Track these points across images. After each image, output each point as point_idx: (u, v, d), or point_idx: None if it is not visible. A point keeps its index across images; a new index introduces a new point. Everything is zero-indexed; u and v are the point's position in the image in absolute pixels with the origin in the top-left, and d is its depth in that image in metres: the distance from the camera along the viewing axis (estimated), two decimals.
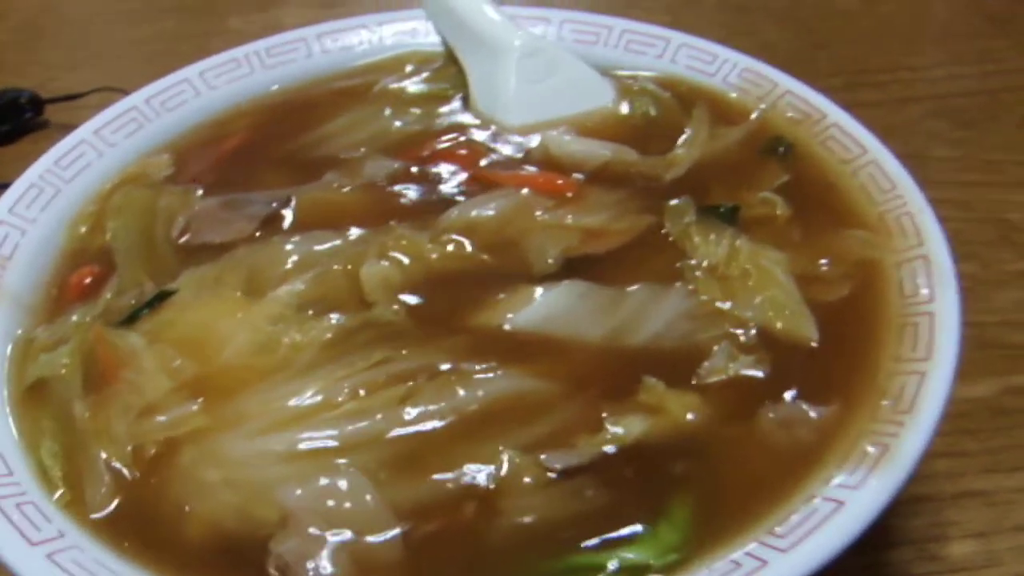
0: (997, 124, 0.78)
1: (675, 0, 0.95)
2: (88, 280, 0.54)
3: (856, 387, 0.45)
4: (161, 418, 0.46)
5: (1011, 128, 0.79)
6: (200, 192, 0.57)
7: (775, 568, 0.38)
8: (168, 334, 0.49)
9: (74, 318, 0.51)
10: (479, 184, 0.55)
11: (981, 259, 0.63)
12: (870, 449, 0.42)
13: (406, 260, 0.50)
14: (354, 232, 0.53)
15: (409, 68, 0.66)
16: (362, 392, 0.45)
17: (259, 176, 0.58)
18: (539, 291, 0.49)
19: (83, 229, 0.56)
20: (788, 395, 0.45)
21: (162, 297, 0.51)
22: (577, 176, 0.55)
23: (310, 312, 0.49)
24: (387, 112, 0.62)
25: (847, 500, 0.40)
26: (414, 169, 0.57)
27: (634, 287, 0.49)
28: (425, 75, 0.65)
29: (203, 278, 0.51)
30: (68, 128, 0.59)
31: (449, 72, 0.65)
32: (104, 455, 0.45)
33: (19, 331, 0.51)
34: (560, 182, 0.54)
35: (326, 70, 0.65)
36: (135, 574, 0.40)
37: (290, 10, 0.98)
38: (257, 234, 0.54)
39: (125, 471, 0.45)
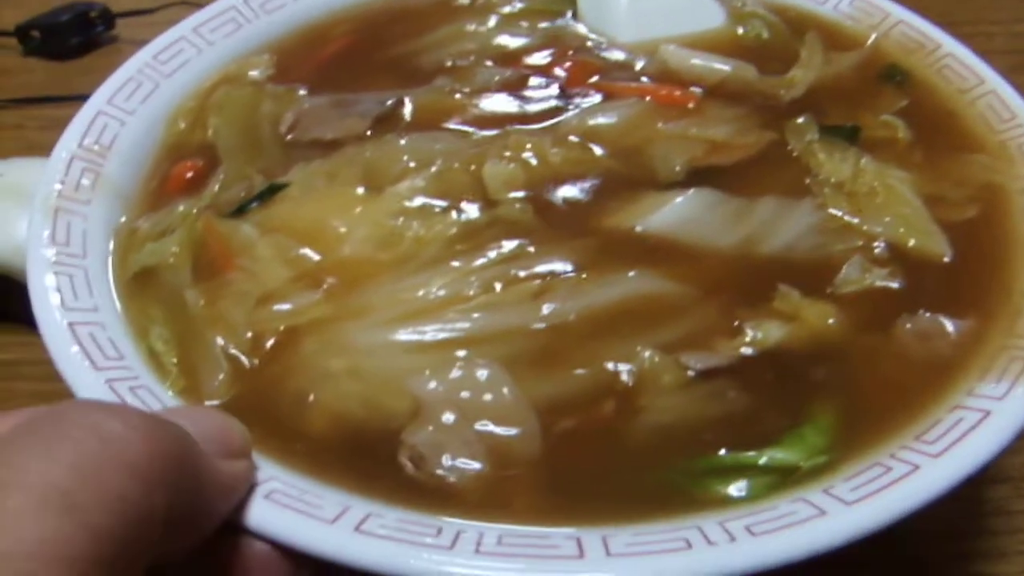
0: None
1: None
2: (190, 174, 0.52)
3: (991, 304, 0.44)
4: (281, 306, 0.44)
5: None
6: (303, 92, 0.55)
7: (927, 473, 0.37)
8: (283, 226, 0.47)
9: (180, 208, 0.49)
10: (597, 93, 0.53)
11: None
12: (1012, 363, 0.40)
13: (530, 161, 0.49)
14: (472, 133, 0.51)
15: None
16: (497, 286, 0.43)
17: (364, 80, 0.56)
18: (669, 197, 0.47)
19: (182, 125, 0.54)
20: (923, 308, 0.44)
21: (273, 190, 0.49)
22: (695, 90, 0.54)
23: (433, 208, 0.47)
24: (493, 23, 0.60)
25: (993, 410, 0.39)
26: (528, 78, 0.55)
27: (763, 199, 0.48)
28: None
29: (316, 172, 0.50)
30: (139, 43, 0.57)
31: None
32: (221, 342, 0.43)
33: (122, 220, 0.49)
34: (680, 94, 0.52)
35: None
36: (261, 461, 0.38)
37: None
38: (369, 132, 0.52)
39: (244, 359, 0.43)
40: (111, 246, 0.48)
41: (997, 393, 0.39)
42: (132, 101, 0.54)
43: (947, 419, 0.39)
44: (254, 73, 0.57)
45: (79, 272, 0.45)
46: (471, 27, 0.60)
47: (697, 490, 0.38)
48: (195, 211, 0.49)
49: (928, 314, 0.43)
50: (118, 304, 0.45)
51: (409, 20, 0.60)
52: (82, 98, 0.53)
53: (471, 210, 0.47)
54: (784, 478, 0.38)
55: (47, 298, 0.42)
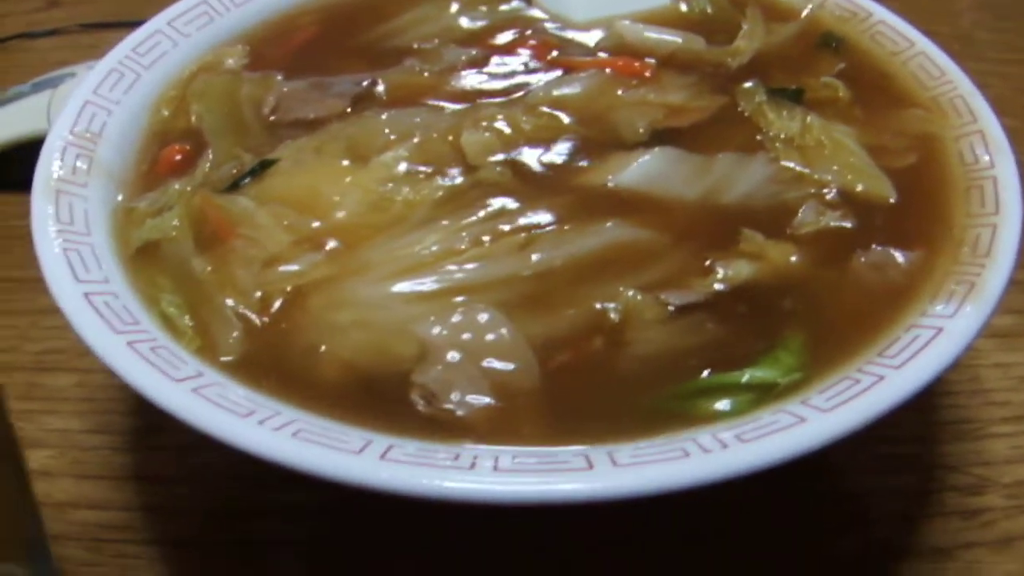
0: None
1: None
2: (178, 157, 0.54)
3: (935, 237, 0.48)
4: (286, 268, 0.47)
5: None
6: (280, 78, 0.58)
7: (891, 382, 0.41)
8: (277, 197, 0.50)
9: (176, 187, 0.51)
10: (558, 68, 0.57)
11: (1021, 117, 0.67)
12: (957, 287, 0.45)
13: (503, 129, 0.52)
14: (446, 107, 0.54)
15: None
16: (485, 239, 0.46)
17: (335, 65, 0.59)
18: (635, 156, 0.51)
19: (166, 112, 0.57)
20: (875, 244, 0.48)
21: (264, 166, 0.52)
22: (649, 61, 0.58)
23: (418, 175, 0.50)
24: (454, 8, 0.63)
25: (945, 327, 0.43)
26: (492, 56, 0.58)
27: (721, 155, 0.52)
28: None
29: (303, 148, 0.52)
30: None
31: None
32: (231, 303, 0.46)
33: (119, 199, 0.51)
34: (638, 65, 0.56)
35: None
36: (281, 407, 0.41)
37: None
38: (348, 111, 0.55)
39: (254, 318, 0.45)
40: (110, 224, 0.50)
41: (947, 313, 0.43)
42: (116, 91, 0.56)
43: (905, 337, 0.43)
44: (230, 62, 0.59)
45: (86, 248, 0.47)
46: (433, 12, 0.63)
47: (687, 409, 0.41)
48: (189, 189, 0.51)
49: (880, 248, 0.48)
50: (125, 276, 0.47)
51: (372, 8, 0.63)
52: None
53: (453, 175, 0.50)
54: (764, 394, 0.42)
55: (60, 270, 0.44)
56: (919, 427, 0.59)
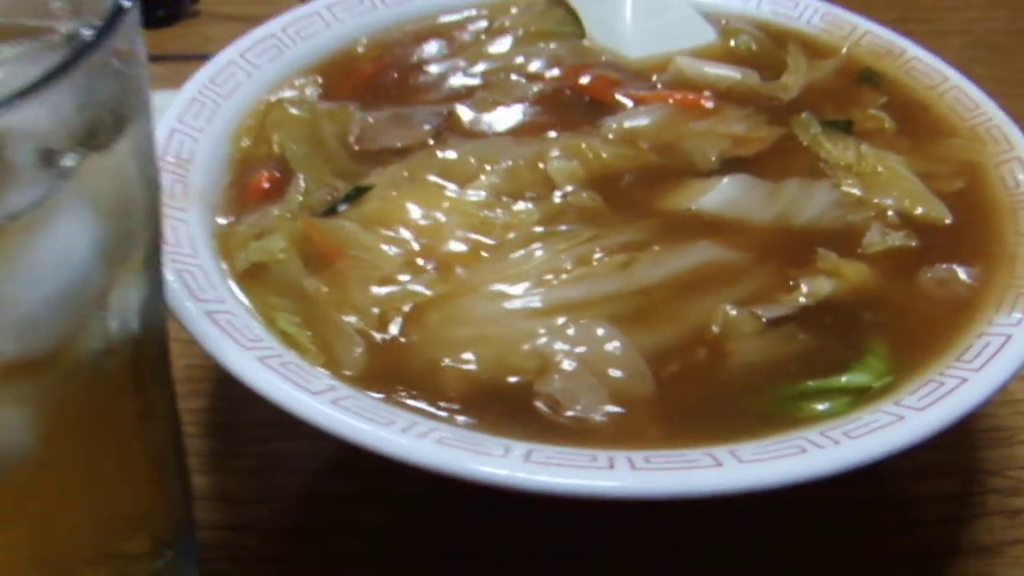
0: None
1: None
2: (266, 184, 0.58)
3: (991, 253, 0.54)
4: (400, 287, 0.51)
5: None
6: (355, 108, 0.62)
7: (974, 383, 0.46)
8: (378, 221, 0.54)
9: (275, 212, 0.55)
10: (627, 100, 0.62)
11: None
12: (1017, 298, 0.51)
13: (587, 157, 0.57)
14: (525, 139, 0.59)
15: (514, 10, 0.72)
16: (590, 258, 0.51)
17: (406, 97, 0.64)
18: (712, 182, 0.56)
19: (247, 141, 0.60)
20: (938, 261, 0.54)
21: (359, 192, 0.56)
22: (706, 94, 0.63)
23: (512, 200, 0.55)
24: (510, 44, 0.68)
25: (1013, 335, 0.49)
26: (560, 90, 0.63)
27: (787, 181, 0.57)
28: (533, 16, 0.72)
29: (396, 175, 0.57)
30: (220, 16, 0.63)
31: (556, 14, 0.72)
32: (351, 320, 0.50)
33: (220, 222, 0.55)
34: (698, 97, 0.62)
35: (440, 9, 0.71)
36: (415, 418, 0.45)
37: None
38: (431, 141, 0.60)
39: (374, 334, 0.49)
40: (213, 247, 0.54)
41: (1012, 321, 0.49)
42: (199, 120, 0.60)
43: (977, 344, 0.49)
44: (306, 93, 0.63)
45: (197, 270, 0.51)
46: (492, 48, 0.68)
47: (792, 411, 0.46)
48: (288, 215, 0.55)
49: (943, 265, 0.53)
50: (237, 297, 0.51)
51: (434, 42, 0.68)
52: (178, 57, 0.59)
53: (545, 200, 0.55)
54: (859, 397, 0.47)
55: (181, 291, 0.48)
56: (955, 436, 0.64)
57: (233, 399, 0.65)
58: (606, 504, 0.42)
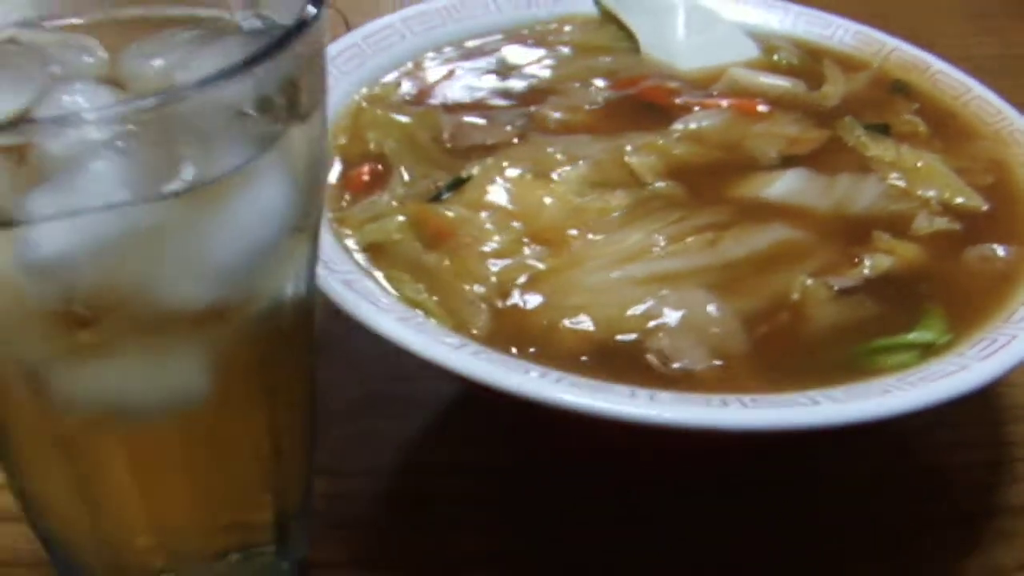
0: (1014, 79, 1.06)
1: None
2: (366, 176, 0.65)
3: None
4: (516, 260, 0.58)
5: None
6: (443, 110, 0.70)
7: (1022, 340, 0.54)
8: (483, 207, 0.62)
9: (384, 199, 0.62)
10: (689, 105, 0.71)
11: None
12: None
13: (664, 152, 0.65)
14: (601, 137, 0.67)
15: (568, 28, 0.80)
16: (686, 237, 0.59)
17: (482, 103, 0.72)
18: (776, 175, 0.65)
19: (343, 139, 0.68)
20: (980, 241, 0.62)
21: (460, 182, 0.63)
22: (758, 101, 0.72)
23: (602, 189, 0.63)
24: (572, 55, 0.76)
25: None
26: (625, 96, 0.72)
27: (840, 175, 0.66)
28: (588, 33, 0.80)
29: (492, 167, 0.64)
30: None
31: (609, 31, 0.80)
32: (473, 288, 0.57)
33: (341, 205, 0.62)
34: (754, 104, 0.70)
35: (502, 27, 0.79)
36: (544, 368, 0.52)
37: None
38: (516, 140, 0.67)
39: (496, 301, 0.57)
40: (331, 229, 0.60)
41: None
42: None
43: (1021, 309, 0.57)
44: (397, 94, 0.71)
45: (326, 247, 0.57)
46: (557, 59, 0.76)
47: (870, 363, 0.54)
48: (395, 202, 0.62)
49: (984, 245, 0.62)
50: (362, 270, 0.58)
51: (501, 52, 0.76)
52: None
53: (631, 189, 0.63)
54: (925, 351, 0.55)
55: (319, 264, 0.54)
56: (979, 413, 0.73)
57: (324, 381, 0.71)
58: (727, 438, 0.49)
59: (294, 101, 0.42)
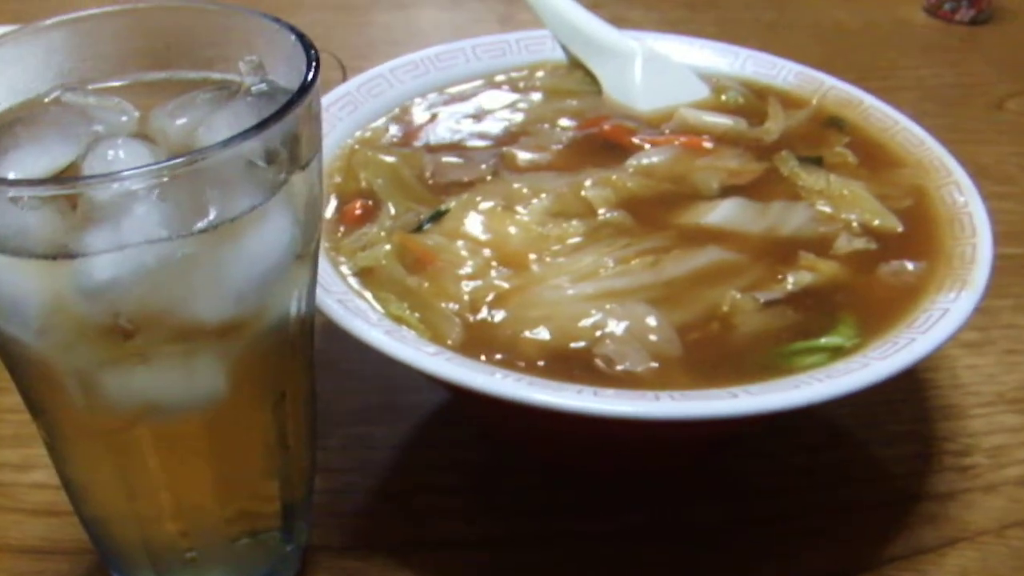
0: (968, 105, 1.24)
1: (720, 18, 1.47)
2: (359, 211, 0.78)
3: (934, 253, 0.73)
4: (484, 281, 0.70)
5: (978, 108, 1.25)
6: (425, 151, 0.82)
7: (920, 342, 0.65)
8: (459, 234, 0.74)
9: (373, 230, 0.75)
10: (642, 144, 0.83)
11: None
12: (954, 283, 0.70)
13: (617, 186, 0.77)
14: (564, 173, 0.80)
15: (541, 74, 0.93)
16: (631, 259, 0.71)
17: (462, 144, 0.84)
18: (715, 204, 0.77)
19: (338, 178, 0.80)
20: (893, 258, 0.74)
21: (440, 214, 0.76)
22: (705, 138, 0.84)
23: (560, 219, 0.75)
24: (541, 99, 0.89)
25: (950, 308, 0.68)
26: (589, 136, 0.84)
27: (773, 202, 0.78)
28: (557, 78, 0.93)
29: (467, 201, 0.76)
30: None
31: (576, 76, 0.93)
32: (449, 306, 0.69)
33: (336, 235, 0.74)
34: (700, 141, 0.83)
35: (480, 74, 0.92)
36: (507, 372, 0.63)
37: (424, 11, 1.45)
38: (489, 177, 0.80)
39: (468, 316, 0.69)
40: (327, 258, 0.73)
41: (950, 299, 0.68)
42: None
43: (923, 316, 0.68)
44: (386, 137, 0.83)
45: (323, 272, 0.69)
46: (527, 103, 0.89)
47: (787, 363, 0.66)
48: (383, 232, 0.75)
49: (896, 261, 0.74)
50: (354, 292, 0.70)
51: (479, 97, 0.89)
52: None
53: (586, 218, 0.75)
54: (836, 353, 0.66)
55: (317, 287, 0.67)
56: (915, 411, 0.84)
57: (322, 393, 0.83)
58: (656, 426, 0.61)
59: (295, 153, 0.53)
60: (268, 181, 0.51)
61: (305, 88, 0.53)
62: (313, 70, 0.53)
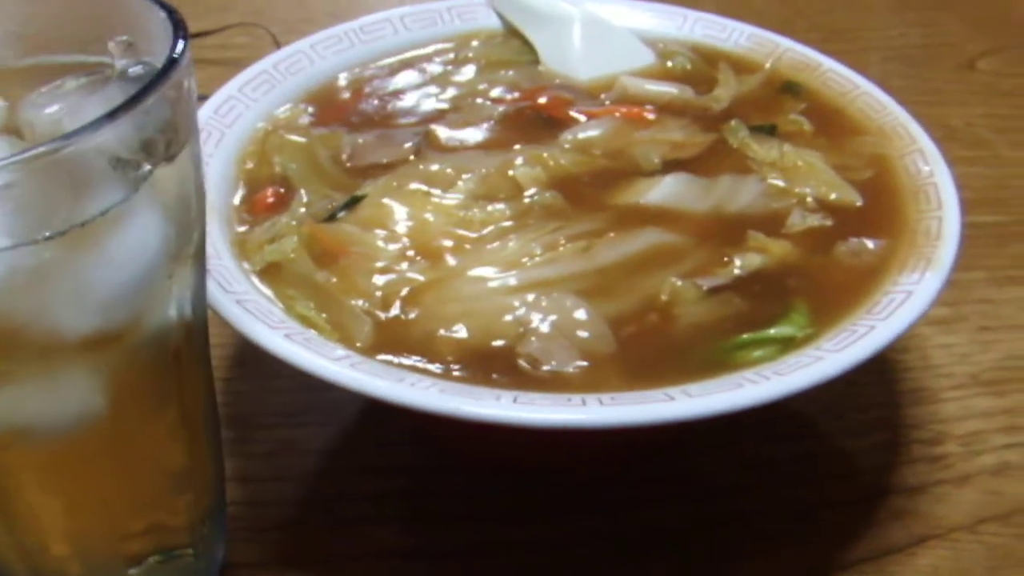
0: (937, 66, 1.16)
1: None
2: (271, 199, 0.71)
3: (896, 229, 0.67)
4: (398, 275, 0.63)
5: (948, 69, 1.17)
6: (344, 132, 0.75)
7: (880, 330, 0.59)
8: (374, 223, 0.67)
9: (283, 220, 0.68)
10: (580, 116, 0.76)
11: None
12: (918, 263, 0.64)
13: (548, 164, 0.70)
14: (493, 152, 0.72)
15: (475, 43, 0.86)
16: (561, 245, 0.64)
17: (387, 121, 0.77)
18: (656, 180, 0.70)
19: (250, 164, 0.73)
20: (851, 236, 0.67)
21: (355, 200, 0.69)
22: (648, 108, 0.77)
23: (486, 201, 0.68)
24: (474, 72, 0.82)
25: (913, 290, 0.62)
26: (521, 110, 0.77)
27: (721, 177, 0.71)
28: (493, 47, 0.85)
29: (385, 185, 0.69)
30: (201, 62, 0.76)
31: (513, 45, 0.85)
32: (358, 303, 0.62)
33: (238, 230, 0.67)
34: (642, 111, 0.75)
35: (409, 45, 0.85)
36: (419, 377, 0.57)
37: None
38: (412, 157, 0.73)
39: (379, 314, 0.62)
40: (232, 252, 0.66)
41: (913, 281, 0.62)
42: (208, 146, 0.72)
43: (884, 300, 0.62)
44: (300, 120, 0.76)
45: (223, 269, 0.63)
46: (459, 76, 0.82)
47: (732, 359, 0.59)
48: (294, 223, 0.68)
49: (855, 239, 0.67)
50: (258, 290, 0.63)
51: (405, 72, 0.82)
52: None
53: (514, 200, 0.68)
54: (786, 345, 0.60)
55: (213, 286, 0.60)
56: (883, 396, 0.78)
57: (242, 394, 0.77)
58: (582, 434, 0.55)
59: (159, 143, 0.48)
60: (126, 178, 0.46)
61: (167, 69, 0.47)
62: (180, 48, 0.48)
